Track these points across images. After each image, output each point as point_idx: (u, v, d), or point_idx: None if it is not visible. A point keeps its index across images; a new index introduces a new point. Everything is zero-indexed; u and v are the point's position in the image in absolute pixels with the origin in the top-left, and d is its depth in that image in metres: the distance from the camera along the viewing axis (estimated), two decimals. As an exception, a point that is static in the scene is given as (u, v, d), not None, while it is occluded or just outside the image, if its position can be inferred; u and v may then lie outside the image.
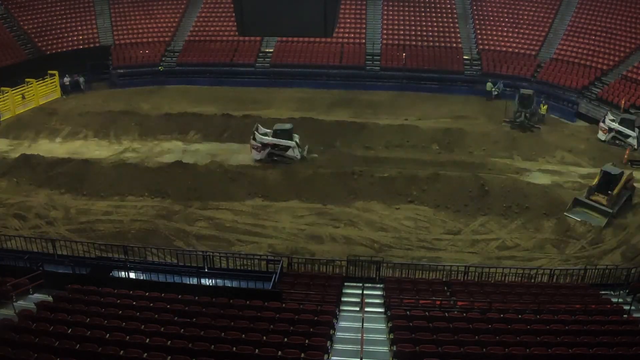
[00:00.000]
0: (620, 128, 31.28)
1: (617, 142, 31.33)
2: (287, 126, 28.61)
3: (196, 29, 44.80)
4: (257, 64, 42.26)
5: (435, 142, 31.07)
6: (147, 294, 15.59)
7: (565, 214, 23.95)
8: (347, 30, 43.53)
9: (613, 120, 31.69)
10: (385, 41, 42.89)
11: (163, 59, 42.60)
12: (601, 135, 32.00)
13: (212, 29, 44.65)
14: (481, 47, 41.86)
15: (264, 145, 27.87)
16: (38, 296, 15.80)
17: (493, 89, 38.44)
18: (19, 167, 27.52)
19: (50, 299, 15.25)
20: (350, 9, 44.73)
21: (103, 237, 21.96)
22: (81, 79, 39.85)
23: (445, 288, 18.00)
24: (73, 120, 33.65)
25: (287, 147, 27.91)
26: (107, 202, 24.94)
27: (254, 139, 28.02)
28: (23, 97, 36.13)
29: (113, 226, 23.14)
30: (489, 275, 19.27)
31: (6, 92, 35.28)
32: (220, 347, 12.29)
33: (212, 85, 40.56)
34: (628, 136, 31.05)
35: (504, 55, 40.92)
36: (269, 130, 28.41)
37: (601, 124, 32.22)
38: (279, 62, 42.01)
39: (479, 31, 42.91)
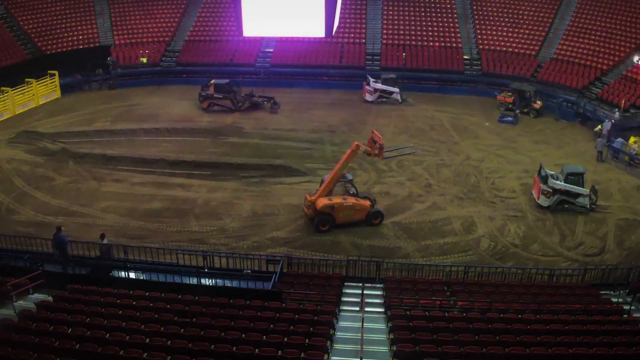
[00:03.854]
0: (385, 87, 37.69)
1: (384, 99, 37.69)
2: (580, 169, 25.35)
3: (196, 29, 44.80)
4: (257, 64, 42.26)
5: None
6: (147, 294, 15.59)
7: None
8: (347, 30, 43.52)
9: (375, 82, 37.79)
10: (385, 41, 42.89)
11: (163, 58, 42.62)
12: (368, 97, 37.82)
13: (212, 29, 44.65)
14: (481, 47, 41.85)
15: (555, 191, 24.61)
16: (38, 296, 15.80)
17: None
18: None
19: (50, 299, 15.25)
20: (350, 9, 44.71)
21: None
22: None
23: (445, 288, 18.00)
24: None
25: (578, 195, 24.65)
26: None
27: (544, 182, 24.82)
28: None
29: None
30: (489, 275, 19.28)
31: (6, 92, 35.29)
32: (220, 347, 12.29)
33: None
34: (392, 93, 37.71)
35: (504, 55, 40.91)
36: (553, 173, 25.28)
37: (366, 87, 37.83)
38: (279, 62, 42.01)
39: (479, 31, 42.90)
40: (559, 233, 23.26)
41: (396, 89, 37.67)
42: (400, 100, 37.64)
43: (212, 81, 36.42)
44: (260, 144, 31.43)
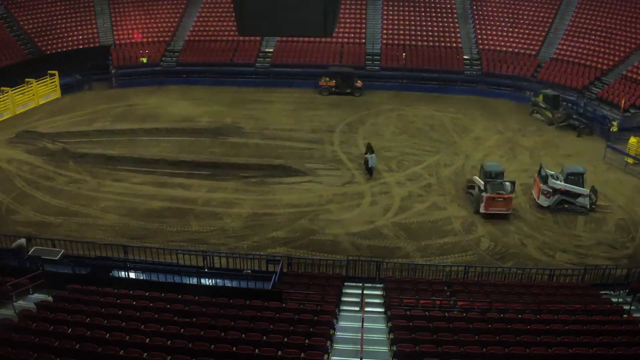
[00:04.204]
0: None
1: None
2: (580, 169, 24.97)
3: (196, 29, 44.79)
4: (257, 64, 42.26)
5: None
6: (147, 294, 15.59)
7: None
8: (347, 30, 43.52)
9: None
10: (385, 41, 42.88)
11: (163, 58, 42.62)
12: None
13: (212, 29, 44.64)
14: (481, 47, 41.85)
15: (555, 191, 24.23)
16: (38, 296, 15.79)
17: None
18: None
19: (50, 299, 15.25)
20: (350, 9, 44.71)
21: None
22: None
23: (445, 288, 18.00)
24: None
25: (578, 195, 24.33)
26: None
27: (544, 181, 24.50)
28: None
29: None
30: (489, 275, 19.27)
31: (6, 92, 35.30)
32: (220, 347, 12.29)
33: (212, 85, 40.60)
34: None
35: (504, 55, 40.91)
36: (553, 172, 24.75)
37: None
38: (279, 62, 42.01)
39: (479, 31, 42.90)
40: (559, 233, 23.26)
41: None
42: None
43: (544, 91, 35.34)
44: (260, 144, 31.41)
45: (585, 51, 39.04)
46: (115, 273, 17.91)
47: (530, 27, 42.12)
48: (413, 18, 44.25)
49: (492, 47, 41.65)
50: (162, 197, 25.69)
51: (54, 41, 41.75)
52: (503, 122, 34.89)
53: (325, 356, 12.73)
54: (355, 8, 44.96)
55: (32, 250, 18.55)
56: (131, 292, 15.65)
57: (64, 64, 39.51)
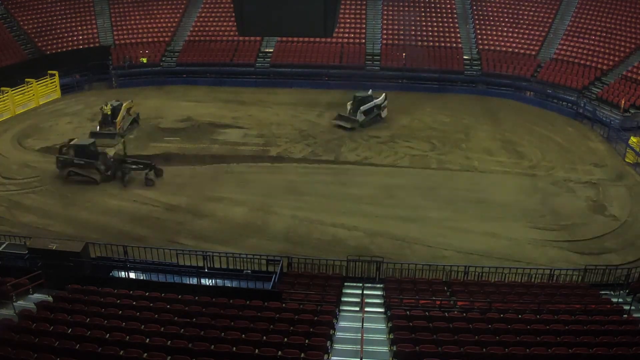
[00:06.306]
0: None
1: None
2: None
3: (196, 29, 44.81)
4: (257, 64, 42.28)
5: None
6: (147, 294, 15.58)
7: None
8: (347, 30, 43.54)
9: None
10: (385, 41, 42.90)
11: (163, 58, 42.63)
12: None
13: (212, 29, 44.67)
14: (481, 47, 41.86)
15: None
16: (38, 296, 15.80)
17: None
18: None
19: (50, 299, 15.25)
20: (350, 9, 44.74)
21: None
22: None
23: (445, 288, 17.99)
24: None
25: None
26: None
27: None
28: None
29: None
30: (489, 275, 19.27)
31: (6, 92, 35.30)
32: (220, 347, 12.29)
33: (212, 85, 40.62)
34: None
35: (504, 55, 40.92)
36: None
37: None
38: (279, 62, 42.02)
39: (479, 31, 42.91)
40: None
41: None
42: None
43: (72, 141, 27.79)
44: (261, 144, 31.42)
45: (585, 51, 39.05)
46: (115, 273, 17.92)
47: (530, 27, 42.13)
48: (413, 18, 44.24)
49: (492, 47, 41.66)
50: (162, 197, 25.69)
51: (54, 41, 41.78)
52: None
53: (325, 356, 12.72)
54: (355, 8, 44.99)
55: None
56: (131, 292, 15.64)
57: (64, 64, 39.57)
